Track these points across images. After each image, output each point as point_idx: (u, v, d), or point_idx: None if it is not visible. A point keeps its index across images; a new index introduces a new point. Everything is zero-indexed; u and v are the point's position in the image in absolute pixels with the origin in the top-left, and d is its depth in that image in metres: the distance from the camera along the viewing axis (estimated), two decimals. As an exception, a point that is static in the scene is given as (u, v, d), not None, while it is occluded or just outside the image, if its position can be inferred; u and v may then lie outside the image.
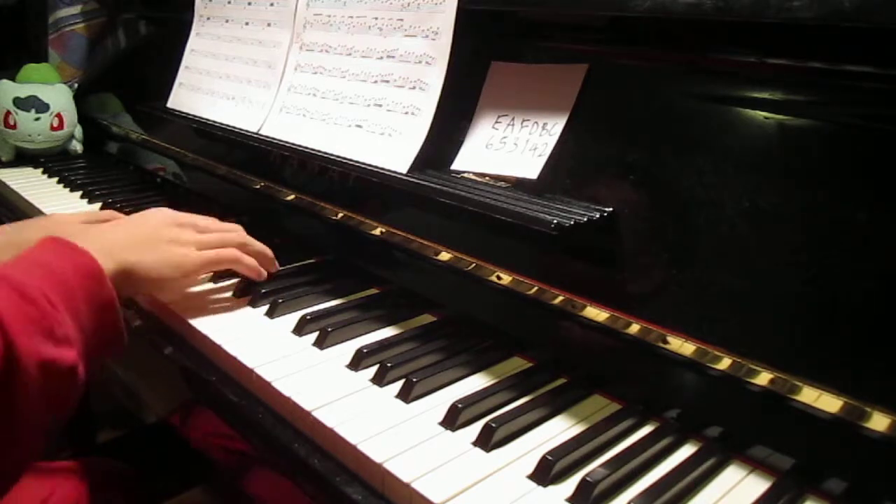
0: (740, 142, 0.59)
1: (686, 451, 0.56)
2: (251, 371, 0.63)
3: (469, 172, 0.76)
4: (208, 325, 0.71)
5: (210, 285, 0.80)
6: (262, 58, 1.02)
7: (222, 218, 1.03)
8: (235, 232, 0.78)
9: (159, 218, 0.74)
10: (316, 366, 0.65)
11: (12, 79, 1.30)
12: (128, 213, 0.99)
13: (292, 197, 0.93)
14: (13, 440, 0.52)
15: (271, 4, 1.01)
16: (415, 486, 0.49)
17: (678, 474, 0.52)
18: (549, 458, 0.52)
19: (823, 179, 0.55)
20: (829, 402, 0.50)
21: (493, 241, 0.70)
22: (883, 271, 0.51)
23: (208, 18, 1.15)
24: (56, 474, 0.80)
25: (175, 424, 0.85)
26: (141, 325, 0.76)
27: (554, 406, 0.60)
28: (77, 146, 1.37)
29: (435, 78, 0.77)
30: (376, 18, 0.85)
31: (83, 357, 0.56)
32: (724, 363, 0.55)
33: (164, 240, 0.71)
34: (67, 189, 1.18)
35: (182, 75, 1.18)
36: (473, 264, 0.71)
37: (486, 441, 0.54)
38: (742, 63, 0.61)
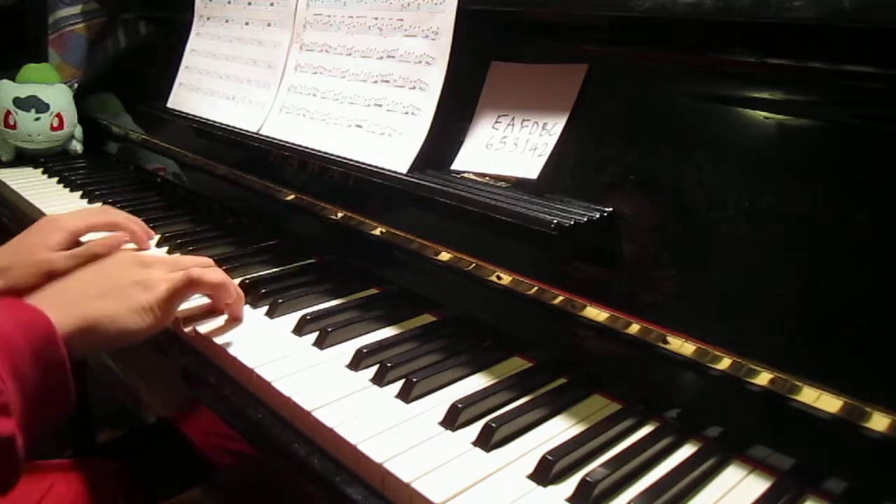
0: (740, 142, 0.59)
1: (686, 451, 0.56)
2: (251, 371, 0.63)
3: (469, 172, 0.76)
4: (208, 326, 0.71)
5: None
6: (262, 58, 1.02)
7: (223, 218, 1.04)
8: (218, 286, 0.71)
9: (124, 260, 0.68)
10: (316, 366, 0.65)
11: (12, 79, 1.30)
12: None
13: (292, 197, 0.93)
14: None
15: (271, 4, 1.01)
16: (415, 486, 0.49)
17: (678, 474, 0.52)
18: (549, 458, 0.52)
19: (823, 179, 0.55)
20: (829, 402, 0.50)
21: (493, 241, 0.70)
22: (883, 271, 0.51)
23: (208, 18, 1.15)
24: (53, 473, 0.80)
25: (175, 424, 0.85)
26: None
27: (554, 406, 0.60)
28: (77, 146, 1.37)
29: (435, 78, 0.77)
30: (376, 18, 0.85)
31: (23, 427, 0.52)
32: (724, 363, 0.55)
33: (129, 283, 0.64)
34: (67, 189, 1.18)
35: (182, 75, 1.18)
36: (473, 264, 0.71)
37: (486, 441, 0.54)
38: (742, 63, 0.61)
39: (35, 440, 0.55)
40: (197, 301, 0.75)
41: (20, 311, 0.56)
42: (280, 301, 0.74)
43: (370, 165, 0.80)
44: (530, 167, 0.71)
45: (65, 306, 0.59)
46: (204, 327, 0.70)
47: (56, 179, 1.22)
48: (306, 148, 0.88)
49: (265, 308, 0.75)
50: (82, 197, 1.14)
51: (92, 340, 0.61)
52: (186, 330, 0.71)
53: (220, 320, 0.72)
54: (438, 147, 0.78)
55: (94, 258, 0.74)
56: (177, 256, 0.74)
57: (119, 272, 0.66)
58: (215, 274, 0.70)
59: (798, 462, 0.52)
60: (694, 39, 0.63)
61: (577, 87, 0.70)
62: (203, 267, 0.71)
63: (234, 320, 0.72)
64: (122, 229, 0.88)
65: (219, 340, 0.68)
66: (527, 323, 0.69)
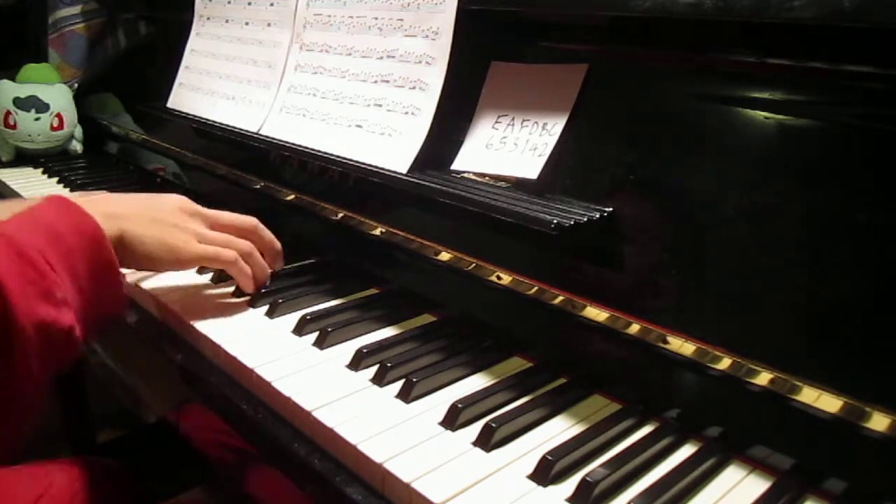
0: (740, 142, 0.59)
1: (686, 451, 0.56)
2: (251, 371, 0.63)
3: (469, 172, 0.76)
4: (208, 325, 0.71)
5: (210, 285, 0.80)
6: (262, 58, 1.02)
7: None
8: (250, 230, 0.77)
9: (172, 201, 0.74)
10: (316, 366, 0.65)
11: (12, 79, 1.30)
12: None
13: (292, 197, 0.93)
14: (11, 397, 0.54)
15: (271, 4, 1.01)
16: (415, 486, 0.49)
17: (678, 474, 0.52)
18: (549, 458, 0.52)
19: (823, 179, 0.55)
20: (829, 402, 0.50)
21: (493, 241, 0.70)
22: (883, 271, 0.51)
23: (208, 18, 1.15)
24: (51, 471, 0.80)
25: (175, 424, 0.85)
26: (141, 325, 0.76)
27: (554, 406, 0.60)
28: (77, 146, 1.37)
29: (435, 78, 0.77)
30: (376, 18, 0.85)
31: (81, 319, 0.57)
32: (724, 363, 0.55)
33: (169, 222, 0.70)
34: (67, 189, 1.18)
35: (182, 75, 1.18)
36: (473, 264, 0.71)
37: (486, 441, 0.54)
38: (742, 63, 0.61)
39: (91, 333, 0.61)
40: (198, 301, 0.75)
41: (72, 213, 0.61)
42: (280, 301, 0.74)
43: (370, 165, 0.80)
44: (530, 167, 0.71)
45: (109, 217, 0.65)
46: (204, 327, 0.70)
47: (56, 179, 1.22)
48: (306, 148, 0.88)
49: (265, 308, 0.75)
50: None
51: (121, 256, 0.65)
52: (186, 330, 0.71)
53: (220, 320, 0.72)
54: (438, 147, 0.78)
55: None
56: (221, 213, 0.77)
57: (165, 209, 0.71)
58: (246, 268, 0.74)
59: (798, 462, 0.52)
60: (694, 39, 0.63)
61: (577, 87, 0.70)
62: (245, 228, 0.76)
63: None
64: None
65: (219, 340, 0.68)
66: (527, 323, 0.69)
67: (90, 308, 0.60)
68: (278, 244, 0.80)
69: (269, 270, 0.78)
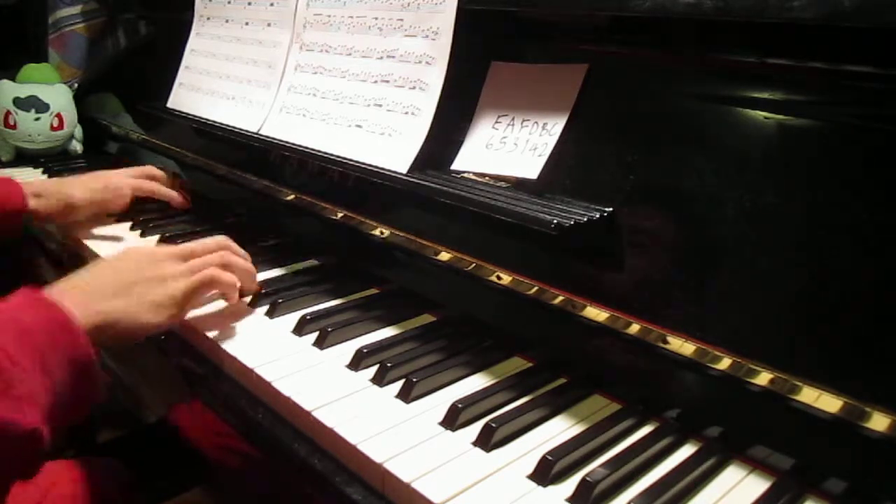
0: (740, 142, 0.59)
1: (686, 451, 0.56)
2: (251, 371, 0.63)
3: (469, 172, 0.76)
4: (208, 326, 0.71)
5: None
6: (263, 58, 1.02)
7: (223, 217, 1.03)
8: (218, 249, 0.75)
9: (137, 258, 0.70)
10: (316, 366, 0.65)
11: (12, 79, 1.30)
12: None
13: (292, 197, 0.93)
14: None
15: (271, 4, 1.01)
16: (415, 485, 0.49)
17: (678, 474, 0.52)
18: (549, 458, 0.52)
19: (823, 179, 0.55)
20: (829, 402, 0.50)
21: (493, 241, 0.70)
22: (883, 271, 0.51)
23: (208, 18, 1.15)
24: (52, 472, 0.79)
25: (175, 424, 0.85)
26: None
27: (554, 406, 0.60)
28: (77, 146, 1.37)
29: (435, 78, 0.77)
30: (376, 18, 0.85)
31: (48, 419, 0.52)
32: (724, 363, 0.55)
33: (146, 280, 0.67)
34: (67, 189, 1.17)
35: (182, 75, 1.18)
36: (473, 264, 0.71)
37: (486, 441, 0.54)
38: (742, 63, 0.61)
39: (61, 432, 0.56)
40: (198, 302, 0.75)
41: (46, 308, 0.57)
42: (280, 301, 0.74)
43: (370, 165, 0.80)
44: (530, 167, 0.71)
45: (84, 304, 0.61)
46: (205, 328, 0.70)
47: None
48: (306, 148, 0.88)
49: (265, 308, 0.75)
50: (82, 197, 1.14)
51: (110, 335, 0.63)
52: (186, 330, 0.72)
53: (220, 320, 0.72)
54: (438, 147, 0.78)
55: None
56: (187, 245, 0.74)
57: (134, 269, 0.68)
58: (227, 276, 0.72)
59: (798, 462, 0.52)
60: (694, 39, 0.63)
61: (577, 87, 0.70)
62: (219, 250, 0.74)
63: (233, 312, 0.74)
64: (151, 192, 1.01)
65: (219, 340, 0.68)
66: (527, 323, 0.69)
67: (64, 407, 0.55)
68: (247, 256, 0.77)
69: (252, 268, 0.76)
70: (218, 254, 0.74)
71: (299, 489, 0.58)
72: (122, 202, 0.99)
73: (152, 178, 1.05)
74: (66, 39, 1.61)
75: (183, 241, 0.92)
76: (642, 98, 0.67)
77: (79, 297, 0.61)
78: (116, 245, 0.94)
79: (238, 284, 0.74)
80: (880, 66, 0.53)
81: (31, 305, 0.57)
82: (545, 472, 0.51)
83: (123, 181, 1.00)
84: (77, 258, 0.95)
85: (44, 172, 1.26)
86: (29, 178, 1.23)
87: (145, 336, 0.68)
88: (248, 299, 0.76)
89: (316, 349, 0.68)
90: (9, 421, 0.49)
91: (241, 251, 0.77)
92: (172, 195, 1.04)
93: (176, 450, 1.04)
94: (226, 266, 0.73)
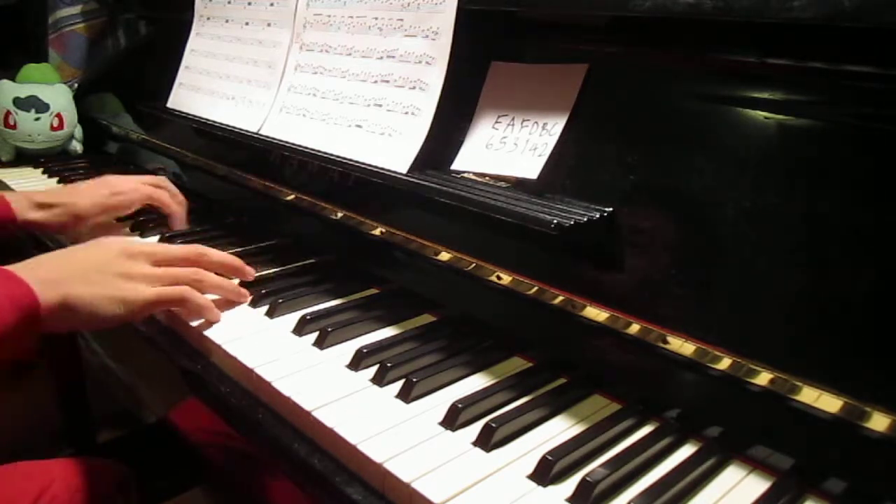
0: (740, 142, 0.59)
1: (686, 451, 0.56)
2: (251, 371, 0.63)
3: (469, 172, 0.76)
4: (208, 326, 0.70)
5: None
6: (262, 58, 1.02)
7: (223, 217, 1.03)
8: (193, 257, 0.74)
9: (112, 248, 0.70)
10: (316, 366, 0.65)
11: (12, 79, 1.30)
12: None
13: (292, 197, 0.93)
14: None
15: (271, 4, 1.01)
16: (415, 485, 0.49)
17: (678, 474, 0.52)
18: (549, 458, 0.52)
19: (823, 179, 0.55)
20: (829, 402, 0.50)
21: (493, 241, 0.70)
22: (883, 271, 0.51)
23: (208, 18, 1.15)
24: (49, 472, 0.80)
25: (175, 424, 0.85)
26: (142, 326, 0.76)
27: (554, 406, 0.60)
28: (77, 146, 1.37)
29: (435, 78, 0.77)
30: (376, 18, 0.85)
31: None
32: (724, 363, 0.55)
33: (113, 272, 0.67)
34: (67, 189, 1.17)
35: (182, 75, 1.18)
36: (473, 264, 0.71)
37: (486, 441, 0.54)
38: (742, 63, 0.61)
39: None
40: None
41: (9, 283, 0.60)
42: (280, 301, 0.74)
43: (370, 165, 0.80)
44: (530, 167, 0.71)
45: (49, 283, 0.62)
46: (205, 328, 0.70)
47: (56, 179, 1.22)
48: (306, 148, 0.88)
49: (265, 308, 0.75)
50: (82, 197, 1.14)
51: (66, 319, 0.64)
52: (186, 330, 0.71)
53: (221, 321, 0.72)
54: (438, 147, 0.78)
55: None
56: (165, 247, 0.74)
57: (105, 259, 0.68)
58: (198, 298, 0.71)
59: (798, 462, 0.52)
60: (694, 39, 0.63)
61: (577, 87, 0.70)
62: (190, 258, 0.73)
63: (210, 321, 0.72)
64: (161, 203, 0.97)
65: (219, 340, 0.68)
66: (527, 323, 0.69)
67: None
68: (233, 259, 0.77)
69: (235, 282, 0.76)
70: (191, 270, 0.73)
71: (299, 489, 0.57)
72: (130, 208, 0.97)
73: (164, 189, 0.99)
74: (66, 39, 1.61)
75: (182, 242, 0.92)
76: (642, 98, 0.67)
77: (45, 275, 0.63)
78: None
79: (211, 304, 0.71)
80: (880, 66, 0.53)
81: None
82: (545, 472, 0.51)
83: (133, 186, 0.97)
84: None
85: (44, 172, 1.26)
86: (29, 178, 1.24)
87: (96, 328, 0.71)
88: (248, 300, 0.76)
89: (316, 349, 0.68)
90: None
91: (220, 257, 0.76)
92: (177, 212, 0.98)
93: (176, 450, 1.04)
94: (199, 283, 0.72)
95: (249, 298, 0.76)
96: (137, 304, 0.67)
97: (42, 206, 0.92)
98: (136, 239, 0.74)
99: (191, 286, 0.71)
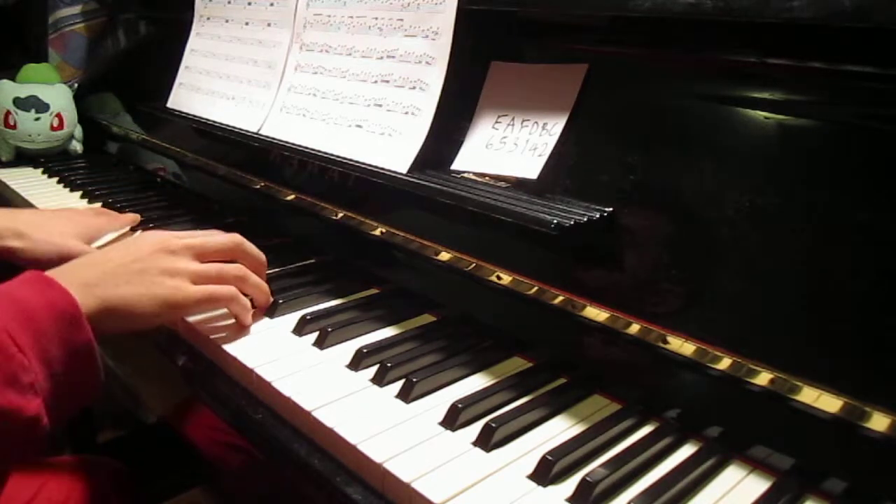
0: (740, 142, 0.59)
1: (686, 451, 0.56)
2: (251, 371, 0.63)
3: (469, 172, 0.76)
4: (208, 326, 0.70)
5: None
6: (262, 58, 1.02)
7: (223, 218, 1.03)
8: (232, 247, 0.72)
9: (151, 244, 0.67)
10: (316, 366, 0.65)
11: (12, 79, 1.30)
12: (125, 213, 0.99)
13: (292, 197, 0.93)
14: None
15: (271, 4, 1.01)
16: (415, 485, 0.49)
17: (678, 474, 0.52)
18: (549, 458, 0.52)
19: (823, 179, 0.55)
20: (829, 402, 0.50)
21: (493, 241, 0.70)
22: (883, 271, 0.51)
23: (208, 18, 1.15)
24: (47, 470, 0.80)
25: (175, 424, 0.85)
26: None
27: (554, 406, 0.60)
28: (77, 146, 1.37)
29: (435, 78, 0.77)
30: (376, 18, 0.85)
31: (49, 407, 0.52)
32: (724, 363, 0.55)
33: (155, 271, 0.64)
34: (67, 189, 1.18)
35: (182, 75, 1.18)
36: (473, 264, 0.71)
37: (486, 441, 0.54)
38: (742, 63, 0.61)
39: (60, 421, 0.55)
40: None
41: (47, 289, 0.55)
42: (280, 301, 0.74)
43: (370, 165, 0.80)
44: (530, 167, 0.71)
45: (89, 286, 0.59)
46: (204, 327, 0.70)
47: (56, 179, 1.22)
48: (306, 148, 0.88)
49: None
50: (82, 197, 1.14)
51: (110, 324, 0.60)
52: (186, 330, 0.71)
53: (221, 321, 0.72)
54: (438, 147, 0.78)
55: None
56: (204, 238, 0.71)
57: (145, 257, 0.65)
58: (243, 300, 0.69)
59: (798, 462, 0.52)
60: (694, 39, 0.63)
61: (577, 87, 0.70)
62: (230, 250, 0.71)
63: (242, 327, 0.70)
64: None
65: (219, 340, 0.68)
66: (527, 323, 0.69)
67: (62, 395, 0.54)
68: (263, 256, 0.75)
69: (267, 289, 0.73)
70: (235, 267, 0.70)
71: (299, 489, 0.57)
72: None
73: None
74: (66, 39, 1.61)
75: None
76: (642, 98, 0.67)
77: (84, 279, 0.59)
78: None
79: (249, 307, 0.70)
80: (880, 66, 0.53)
81: (36, 287, 0.55)
82: (545, 472, 0.51)
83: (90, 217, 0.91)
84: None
85: (44, 173, 1.26)
86: (29, 178, 1.24)
87: (142, 328, 0.66)
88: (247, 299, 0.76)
89: (316, 349, 0.68)
90: (14, 408, 0.49)
91: (254, 251, 0.74)
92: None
93: (176, 450, 1.04)
94: (242, 281, 0.70)
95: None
96: (184, 303, 0.65)
97: (19, 235, 0.81)
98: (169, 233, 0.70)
99: (233, 284, 0.69)
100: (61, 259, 0.71)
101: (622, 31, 0.69)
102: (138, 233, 0.70)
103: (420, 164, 0.77)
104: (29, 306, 0.53)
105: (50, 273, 0.58)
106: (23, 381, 0.50)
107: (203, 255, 0.69)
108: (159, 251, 0.66)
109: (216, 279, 0.68)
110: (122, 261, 0.64)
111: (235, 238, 0.73)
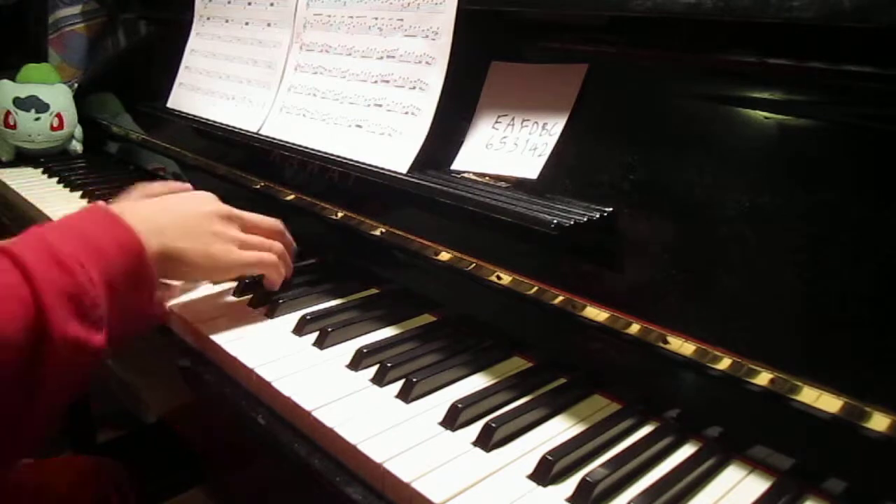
0: (740, 142, 0.59)
1: (686, 451, 0.56)
2: (251, 371, 0.63)
3: (469, 172, 0.76)
4: (209, 326, 0.70)
5: (211, 286, 0.80)
6: (263, 58, 1.02)
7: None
8: (275, 231, 0.77)
9: (208, 207, 0.71)
10: (316, 366, 0.65)
11: (12, 79, 1.30)
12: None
13: (292, 197, 0.93)
14: (32, 413, 0.51)
15: (271, 4, 1.01)
16: (415, 485, 0.49)
17: (678, 474, 0.52)
18: (549, 457, 0.52)
19: (823, 179, 0.55)
20: (829, 402, 0.50)
21: (493, 241, 0.70)
22: (883, 271, 0.51)
23: (208, 18, 1.15)
24: (47, 470, 0.80)
25: (175, 424, 0.85)
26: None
27: (554, 406, 0.60)
28: (77, 146, 1.37)
29: (435, 78, 0.77)
30: (376, 18, 0.85)
31: (110, 339, 0.56)
32: (724, 363, 0.55)
33: (207, 231, 0.68)
34: (67, 189, 1.17)
35: (182, 75, 1.18)
36: (473, 264, 0.71)
37: (486, 441, 0.54)
38: (742, 63, 0.61)
39: (115, 354, 0.58)
40: (198, 302, 0.75)
41: (116, 227, 0.59)
42: (280, 301, 0.74)
43: (370, 165, 0.80)
44: (530, 167, 0.71)
45: (152, 232, 0.62)
46: (204, 327, 0.70)
47: (56, 179, 1.22)
48: (306, 148, 0.88)
49: (265, 308, 0.75)
50: (82, 197, 1.14)
51: (165, 270, 0.64)
52: (186, 330, 0.72)
53: (221, 321, 0.72)
54: (438, 147, 0.78)
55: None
56: (252, 215, 0.76)
57: (202, 216, 0.69)
58: (282, 271, 0.75)
59: (798, 462, 0.52)
60: (694, 39, 0.63)
61: (577, 87, 0.71)
62: (274, 230, 0.76)
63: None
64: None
65: (219, 340, 0.68)
66: (527, 323, 0.69)
67: (122, 328, 0.57)
68: (294, 244, 0.80)
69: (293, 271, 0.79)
70: (279, 245, 0.75)
71: (299, 489, 0.57)
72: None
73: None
74: (66, 39, 1.61)
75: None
76: (642, 98, 0.67)
77: (147, 224, 0.62)
78: None
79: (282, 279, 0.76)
80: (880, 66, 0.53)
81: (105, 224, 0.58)
82: (545, 472, 0.51)
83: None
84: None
85: (43, 173, 1.26)
86: (29, 178, 1.24)
87: (188, 280, 0.73)
88: (247, 299, 0.76)
89: (316, 349, 0.68)
90: (85, 342, 0.52)
91: (290, 238, 0.79)
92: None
93: (176, 450, 1.04)
94: (283, 258, 0.75)
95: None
96: (230, 264, 0.69)
97: None
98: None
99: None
100: None
101: (622, 30, 0.69)
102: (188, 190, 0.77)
103: (420, 164, 0.77)
104: (99, 242, 0.56)
105: (115, 209, 0.61)
106: (92, 315, 0.53)
107: (248, 229, 0.74)
108: (214, 214, 0.70)
109: (260, 248, 0.73)
110: (182, 213, 0.68)
111: (279, 223, 0.78)
